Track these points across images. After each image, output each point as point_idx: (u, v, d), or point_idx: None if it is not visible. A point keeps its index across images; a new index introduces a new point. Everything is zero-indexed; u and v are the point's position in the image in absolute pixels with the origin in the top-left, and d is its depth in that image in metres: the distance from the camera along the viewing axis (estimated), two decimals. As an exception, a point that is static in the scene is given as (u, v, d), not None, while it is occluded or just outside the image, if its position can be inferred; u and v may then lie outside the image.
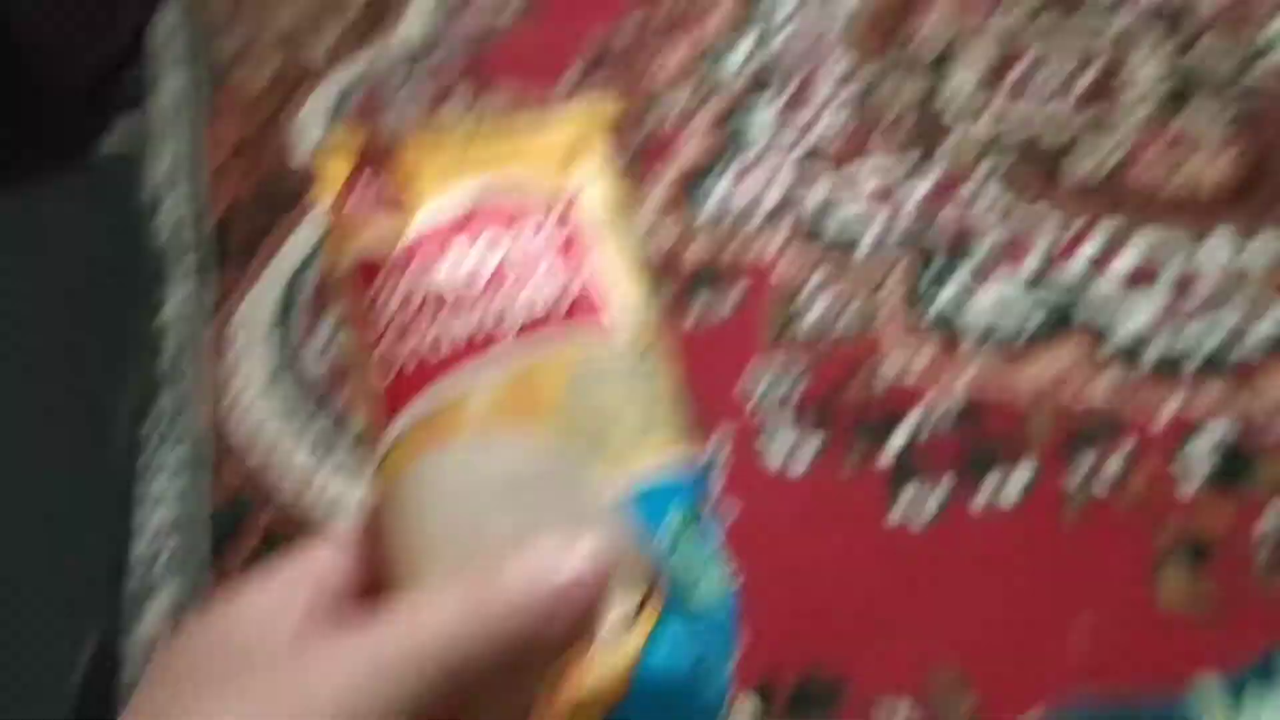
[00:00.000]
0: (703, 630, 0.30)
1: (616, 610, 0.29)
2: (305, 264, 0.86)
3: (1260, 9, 0.84)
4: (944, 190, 0.77)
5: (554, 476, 0.31)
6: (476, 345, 0.32)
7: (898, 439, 0.63)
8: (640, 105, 0.90)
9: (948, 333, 0.68)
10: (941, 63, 0.87)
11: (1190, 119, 0.77)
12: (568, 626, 0.28)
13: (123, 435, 0.70)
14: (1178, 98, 0.79)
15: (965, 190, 0.76)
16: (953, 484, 0.60)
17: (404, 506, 0.31)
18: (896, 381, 0.66)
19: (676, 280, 0.75)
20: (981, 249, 0.72)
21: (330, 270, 0.35)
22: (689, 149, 0.85)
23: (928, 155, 0.80)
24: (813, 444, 0.64)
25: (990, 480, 0.60)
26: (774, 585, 0.58)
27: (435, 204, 0.34)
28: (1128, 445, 0.60)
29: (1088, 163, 0.76)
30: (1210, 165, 0.73)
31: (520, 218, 0.34)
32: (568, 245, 0.34)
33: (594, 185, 0.35)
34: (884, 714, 0.53)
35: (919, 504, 0.60)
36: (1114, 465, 0.59)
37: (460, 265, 0.33)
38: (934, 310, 0.69)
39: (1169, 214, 0.71)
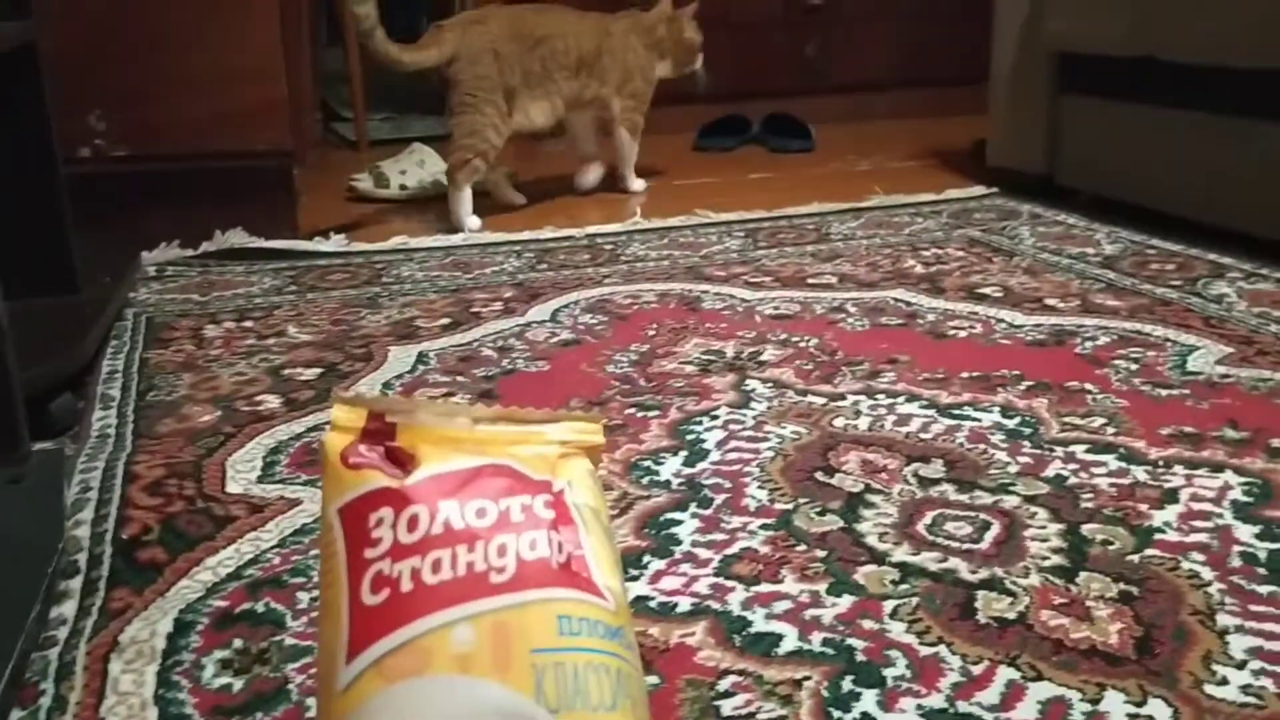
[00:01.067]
0: None
1: None
2: (207, 595, 0.84)
3: (1144, 502, 0.94)
4: (854, 615, 0.80)
5: None
6: (467, 587, 0.33)
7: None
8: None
9: (861, 743, 0.68)
10: (853, 505, 0.94)
11: (1084, 587, 0.83)
12: None
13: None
14: (1070, 570, 0.85)
15: (874, 619, 0.79)
16: None
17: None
18: (809, 782, 0.65)
19: (595, 657, 0.75)
20: (893, 671, 0.74)
21: (327, 506, 0.37)
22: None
23: (841, 583, 0.83)
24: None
25: None
26: None
27: (439, 464, 0.37)
28: None
29: (996, 605, 0.80)
30: (1103, 629, 0.78)
31: (516, 490, 0.37)
32: (557, 522, 0.36)
33: (582, 485, 0.38)
34: None
35: None
36: None
37: (460, 514, 0.35)
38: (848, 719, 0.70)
39: (1067, 668, 0.75)
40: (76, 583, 0.85)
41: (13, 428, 0.90)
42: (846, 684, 0.73)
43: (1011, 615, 0.79)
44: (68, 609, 0.82)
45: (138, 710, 0.73)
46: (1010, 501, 0.95)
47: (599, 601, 0.34)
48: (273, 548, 0.90)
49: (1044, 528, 0.91)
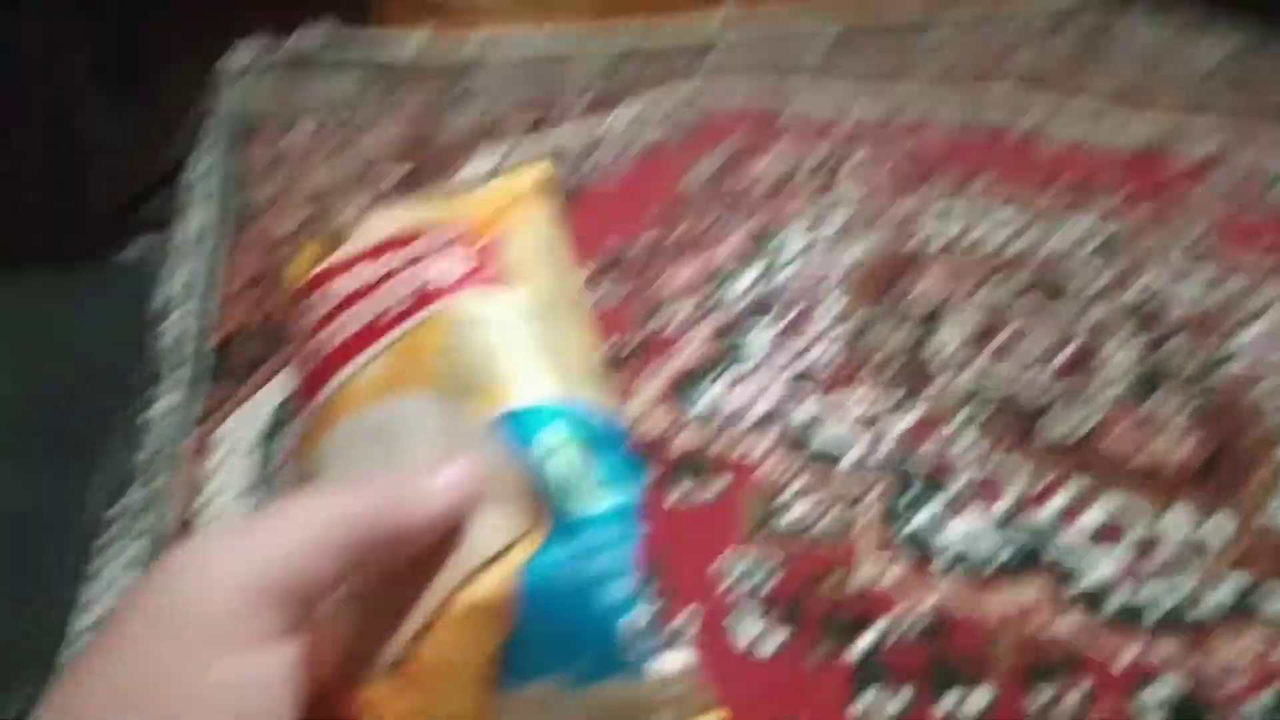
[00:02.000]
0: (594, 540, 0.30)
1: (501, 523, 0.31)
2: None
3: (1226, 323, 0.92)
4: (924, 428, 0.80)
5: (429, 423, 0.33)
6: (375, 329, 0.35)
7: (864, 641, 0.64)
8: (646, 309, 0.95)
9: (920, 552, 0.70)
10: (931, 319, 0.93)
11: (1157, 404, 0.82)
12: (434, 518, 0.30)
13: (86, 515, 0.70)
14: (1147, 384, 0.84)
15: (944, 432, 0.80)
16: (914, 693, 0.61)
17: (318, 468, 0.34)
18: (867, 589, 0.67)
19: (662, 463, 0.77)
20: (956, 484, 0.75)
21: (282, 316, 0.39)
22: (687, 353, 0.89)
23: (911, 395, 0.84)
24: (780, 632, 0.65)
25: (951, 695, 0.61)
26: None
27: (359, 241, 0.38)
28: (1086, 683, 0.61)
29: (1061, 427, 0.80)
30: (1174, 447, 0.78)
31: (437, 247, 0.37)
32: (482, 256, 0.36)
33: (525, 227, 0.38)
34: None
35: (880, 706, 0.61)
36: (1072, 700, 0.61)
37: (368, 273, 0.36)
38: (908, 530, 0.71)
39: (1135, 483, 0.75)
40: (172, 384, 0.89)
41: (100, 232, 0.93)
42: (909, 496, 0.74)
43: (1082, 431, 0.79)
44: (167, 403, 0.86)
45: (231, 507, 0.77)
46: (1091, 317, 0.93)
47: (505, 293, 0.35)
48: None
49: (1123, 344, 0.89)
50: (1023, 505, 0.73)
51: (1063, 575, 0.68)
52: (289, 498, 0.30)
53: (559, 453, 0.32)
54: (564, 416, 0.32)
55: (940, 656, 0.63)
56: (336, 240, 0.38)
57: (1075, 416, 0.81)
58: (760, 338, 0.91)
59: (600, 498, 0.31)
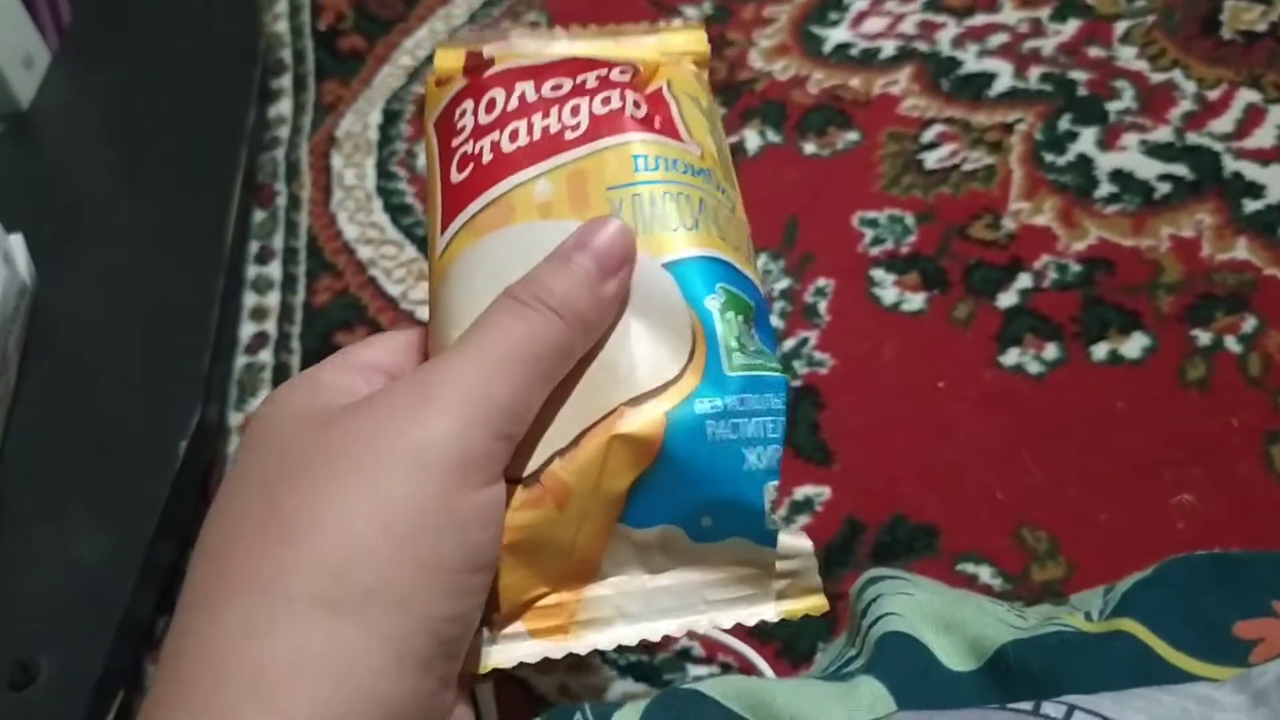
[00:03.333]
0: (748, 404, 0.30)
1: (659, 359, 0.30)
2: (409, 82, 0.85)
3: None
4: (1081, 41, 0.72)
5: None
6: (543, 147, 0.33)
7: (1015, 287, 0.61)
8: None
9: (1076, 186, 0.65)
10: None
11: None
12: (610, 283, 0.30)
13: (233, 216, 0.70)
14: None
15: (1102, 45, 0.72)
16: (1069, 337, 0.58)
17: (456, 284, 0.32)
18: (1017, 232, 0.63)
19: (793, 114, 0.72)
20: (1117, 105, 0.68)
21: (425, 129, 0.36)
22: (813, -16, 0.82)
23: (1067, 5, 0.75)
24: (923, 288, 0.62)
25: (1109, 337, 0.58)
26: (870, 425, 0.57)
27: (518, 61, 0.36)
28: (1257, 315, 0.57)
29: (1246, 16, 0.71)
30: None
31: (594, 67, 0.35)
32: (638, 88, 0.34)
33: (683, 81, 0.35)
34: (966, 573, 0.52)
35: (1031, 355, 0.58)
36: (1244, 331, 0.57)
37: (535, 90, 0.34)
38: (1063, 162, 0.66)
39: (1326, 79, 0.67)
40: (286, 80, 0.87)
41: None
42: (1064, 124, 0.68)
43: (1262, 27, 0.70)
44: (284, 107, 0.85)
45: (364, 202, 0.77)
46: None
47: (682, 145, 0.33)
48: (464, 23, 0.88)
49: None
50: (1189, 124, 0.66)
51: (1233, 200, 0.62)
52: (482, 327, 0.29)
53: (724, 310, 0.31)
54: (731, 278, 0.32)
55: (1098, 297, 0.60)
56: (478, 54, 0.36)
57: (1258, 7, 0.71)
58: (893, -45, 0.82)
59: (761, 365, 0.31)
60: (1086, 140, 0.67)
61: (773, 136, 0.72)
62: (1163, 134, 0.66)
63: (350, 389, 0.29)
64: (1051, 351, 0.58)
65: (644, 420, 0.29)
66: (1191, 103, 0.67)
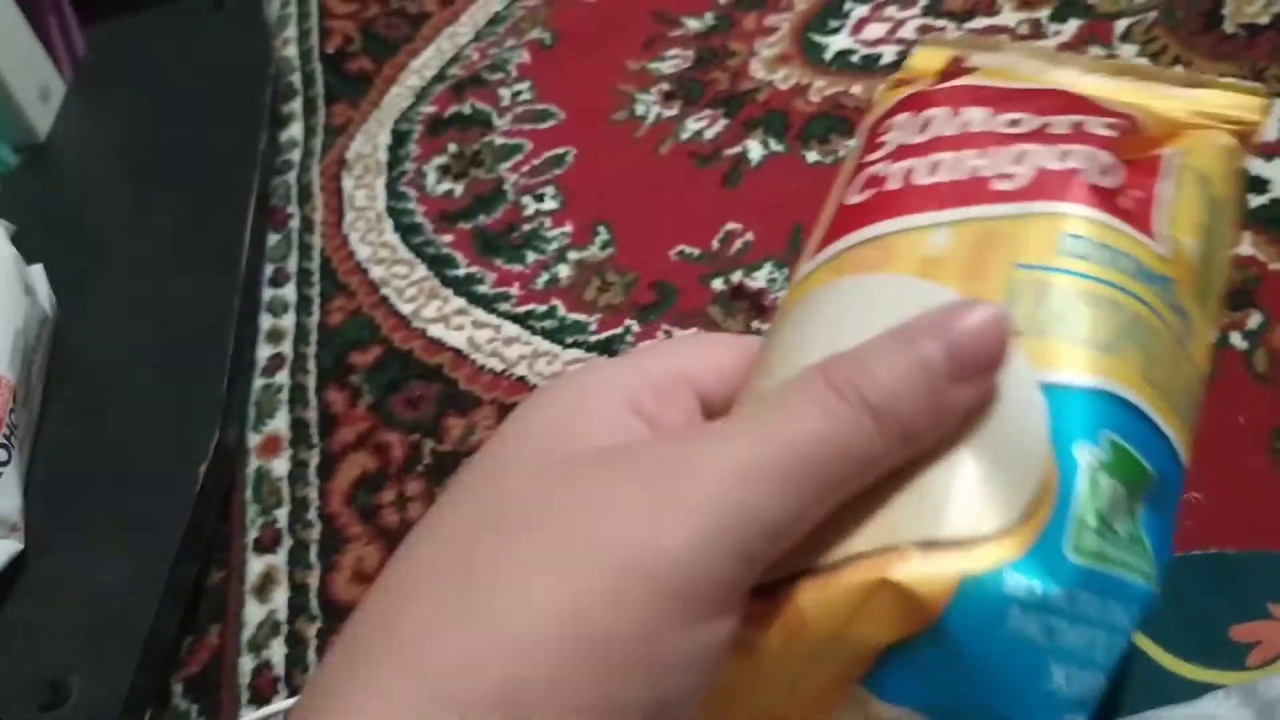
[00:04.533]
0: (1080, 605, 0.22)
1: (981, 501, 0.22)
2: (417, 102, 0.86)
3: None
4: (1080, 43, 0.73)
5: None
6: (961, 192, 0.26)
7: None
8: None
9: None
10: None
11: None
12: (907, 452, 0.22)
13: (247, 240, 0.72)
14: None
15: (1103, 44, 0.72)
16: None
17: (795, 323, 0.26)
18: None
19: (796, 123, 0.73)
20: (1120, 102, 0.69)
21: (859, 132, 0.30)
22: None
23: (1066, 5, 0.76)
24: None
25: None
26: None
27: (988, 80, 0.29)
28: (1263, 310, 0.57)
29: (1248, 9, 0.71)
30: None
31: (1076, 109, 0.27)
32: (1121, 151, 0.26)
33: (1203, 156, 0.27)
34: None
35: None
36: (1249, 327, 0.57)
37: (986, 120, 0.27)
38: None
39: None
40: (297, 104, 0.89)
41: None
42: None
43: (1265, 19, 0.70)
44: (295, 131, 0.86)
45: (374, 223, 0.78)
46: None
47: (1140, 237, 0.25)
48: (470, 42, 0.89)
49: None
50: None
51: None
52: (774, 410, 0.23)
53: (1102, 471, 0.23)
54: (1132, 432, 0.24)
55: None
56: (960, 59, 0.30)
57: None
58: (893, -39, 0.83)
59: (1123, 561, 0.23)
60: (1089, 140, 0.67)
61: (775, 146, 0.72)
62: (1165, 132, 0.66)
63: (628, 414, 0.24)
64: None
65: (931, 574, 0.22)
66: (1193, 99, 0.67)
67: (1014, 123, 0.27)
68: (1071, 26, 0.74)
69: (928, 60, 0.30)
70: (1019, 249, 0.25)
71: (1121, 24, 0.73)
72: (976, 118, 0.27)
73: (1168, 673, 0.26)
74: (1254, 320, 0.57)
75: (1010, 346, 0.23)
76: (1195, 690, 0.26)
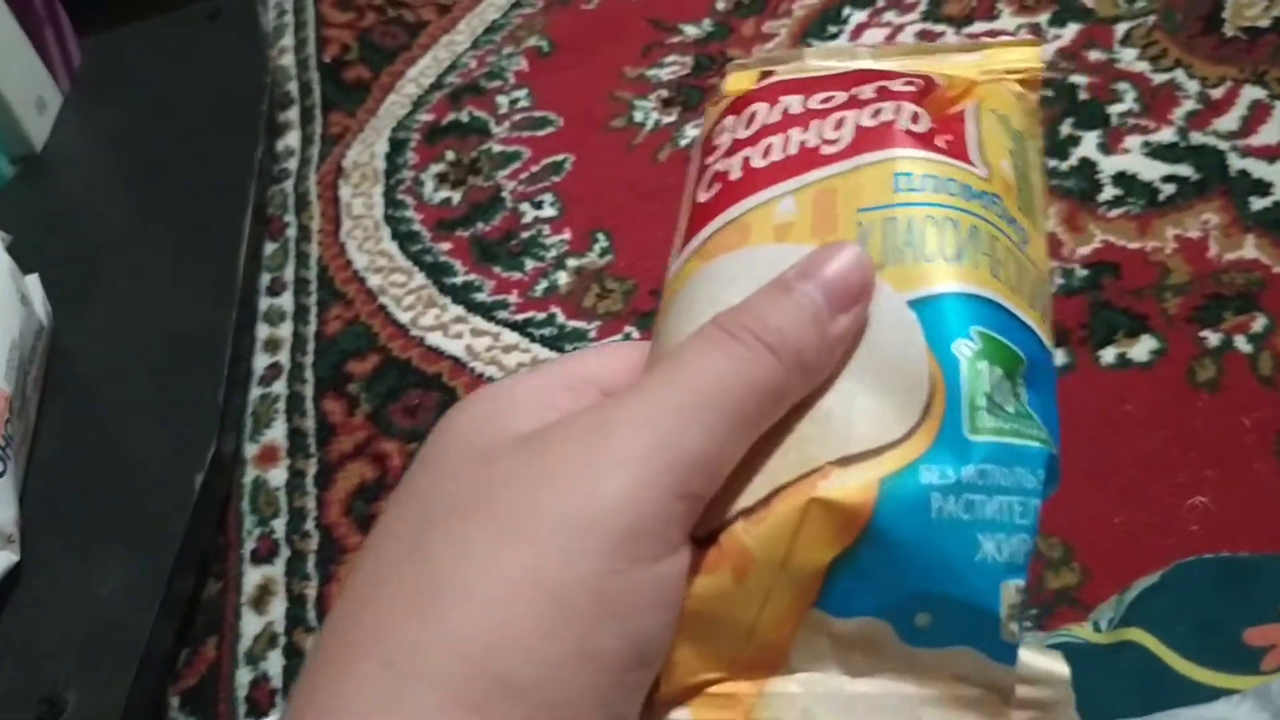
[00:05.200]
0: (990, 478, 0.24)
1: (881, 414, 0.24)
2: (414, 110, 0.86)
3: None
4: (1079, 47, 0.73)
5: None
6: (795, 164, 0.28)
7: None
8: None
9: (1079, 190, 0.65)
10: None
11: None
12: (824, 369, 0.24)
13: (244, 250, 0.71)
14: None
15: (1102, 48, 0.72)
16: (1076, 342, 0.58)
17: (675, 312, 0.28)
18: (1023, 238, 0.63)
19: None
20: (1119, 108, 0.68)
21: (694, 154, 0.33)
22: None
23: (1066, 7, 0.75)
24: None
25: (1117, 340, 0.58)
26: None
27: (796, 73, 0.32)
28: (1267, 313, 0.57)
29: (1248, 12, 0.71)
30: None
31: (878, 78, 0.30)
32: (924, 99, 0.29)
33: (998, 102, 0.30)
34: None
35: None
36: (1253, 330, 0.57)
37: (802, 103, 0.30)
38: (1065, 167, 0.66)
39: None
40: (294, 113, 0.88)
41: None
42: (1065, 129, 0.68)
43: (1265, 22, 0.70)
44: (292, 140, 0.86)
45: (372, 231, 0.78)
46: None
47: (959, 164, 0.27)
48: (467, 50, 0.89)
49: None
50: (1192, 125, 0.66)
51: (1239, 200, 0.62)
52: (678, 361, 0.24)
53: (979, 359, 0.25)
54: (997, 322, 0.26)
55: (1107, 299, 0.60)
56: (769, 75, 0.32)
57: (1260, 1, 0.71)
58: (891, -34, 0.83)
59: (1017, 430, 0.25)
60: (1089, 144, 0.67)
61: (776, 151, 0.72)
62: (1166, 135, 0.66)
63: (546, 408, 0.25)
64: (1060, 357, 0.58)
65: (852, 485, 0.24)
66: (1195, 102, 0.67)
67: (826, 100, 0.30)
68: (1071, 30, 0.73)
69: (739, 82, 0.33)
70: (859, 196, 0.27)
71: (1121, 28, 0.73)
72: (794, 103, 0.30)
73: (1181, 677, 0.26)
74: (1259, 324, 0.57)
75: (873, 277, 0.26)
76: (1209, 695, 0.26)
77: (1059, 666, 0.24)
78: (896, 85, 0.29)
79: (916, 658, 0.24)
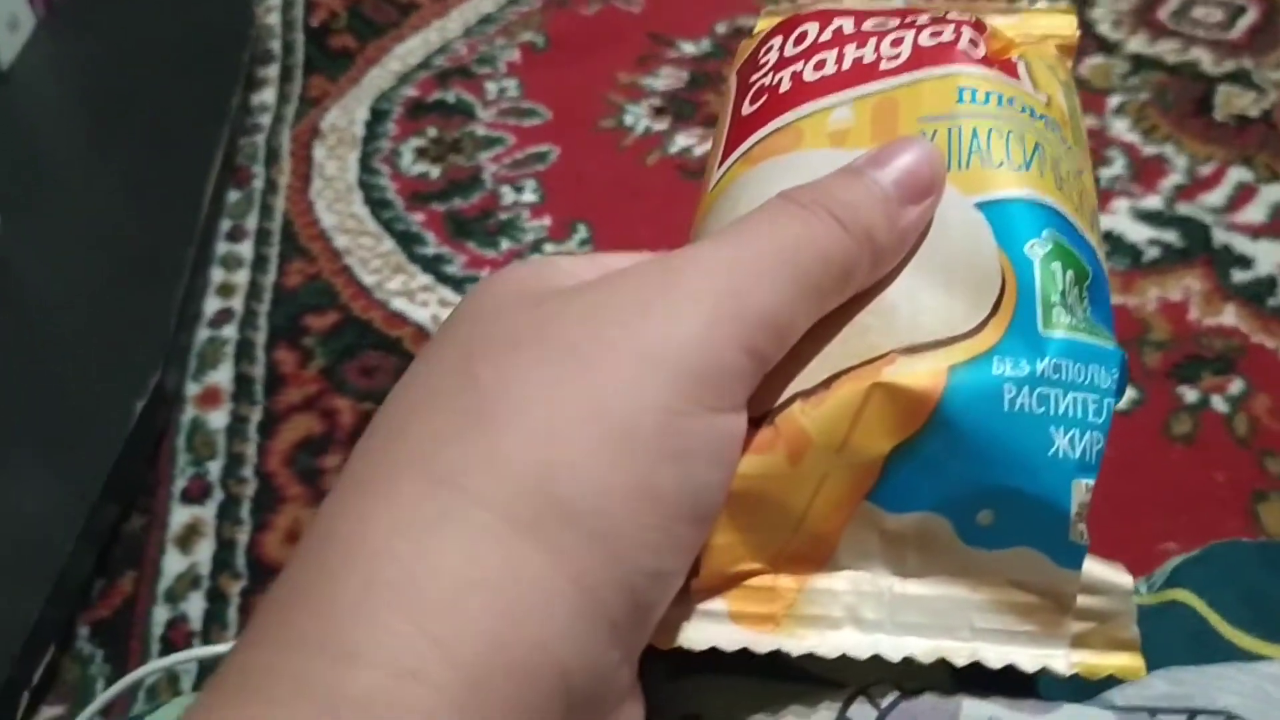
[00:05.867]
0: (1066, 373, 0.23)
1: (951, 307, 0.24)
2: (399, 84, 0.84)
3: None
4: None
5: None
6: (852, 77, 0.28)
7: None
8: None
9: (1067, 242, 0.65)
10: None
11: (1343, 81, 0.74)
12: (906, 212, 0.23)
13: (209, 192, 0.68)
14: (1332, 59, 0.76)
15: (1095, 115, 0.73)
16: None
17: (716, 212, 0.27)
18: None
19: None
20: (1109, 172, 0.69)
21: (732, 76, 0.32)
22: None
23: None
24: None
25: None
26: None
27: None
28: (1245, 378, 0.57)
29: (1239, 101, 0.72)
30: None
31: (946, 22, 0.29)
32: (980, 30, 0.29)
33: (1042, 64, 0.29)
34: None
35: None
36: (1230, 392, 0.57)
37: (854, 24, 0.29)
38: (1055, 218, 0.67)
39: (1311, 167, 0.68)
40: (273, 70, 0.86)
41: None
42: (1057, 182, 0.69)
43: (1254, 113, 0.72)
44: (268, 95, 0.84)
45: (344, 193, 0.75)
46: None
47: (1022, 85, 0.27)
48: (459, 37, 0.88)
49: (1307, 14, 0.80)
50: (1181, 194, 0.67)
51: (1221, 268, 0.63)
52: (747, 222, 0.23)
53: (1051, 259, 0.24)
54: (1066, 231, 0.25)
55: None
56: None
57: (1251, 93, 0.73)
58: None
59: (1091, 329, 0.24)
60: (1079, 200, 0.67)
61: (769, 167, 0.71)
62: (1153, 202, 0.67)
63: (598, 266, 0.23)
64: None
65: (920, 371, 0.23)
66: (1182, 176, 0.68)
67: (881, 24, 0.29)
68: (1066, 95, 0.75)
69: (770, 22, 0.31)
70: (920, 106, 0.26)
71: (1114, 99, 0.74)
72: (846, 25, 0.29)
73: (1228, 642, 0.25)
74: (1236, 386, 0.57)
75: (944, 174, 0.25)
76: (1257, 660, 0.24)
77: (1122, 577, 0.23)
78: (954, 16, 0.29)
79: (974, 559, 0.23)
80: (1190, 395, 0.57)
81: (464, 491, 0.19)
